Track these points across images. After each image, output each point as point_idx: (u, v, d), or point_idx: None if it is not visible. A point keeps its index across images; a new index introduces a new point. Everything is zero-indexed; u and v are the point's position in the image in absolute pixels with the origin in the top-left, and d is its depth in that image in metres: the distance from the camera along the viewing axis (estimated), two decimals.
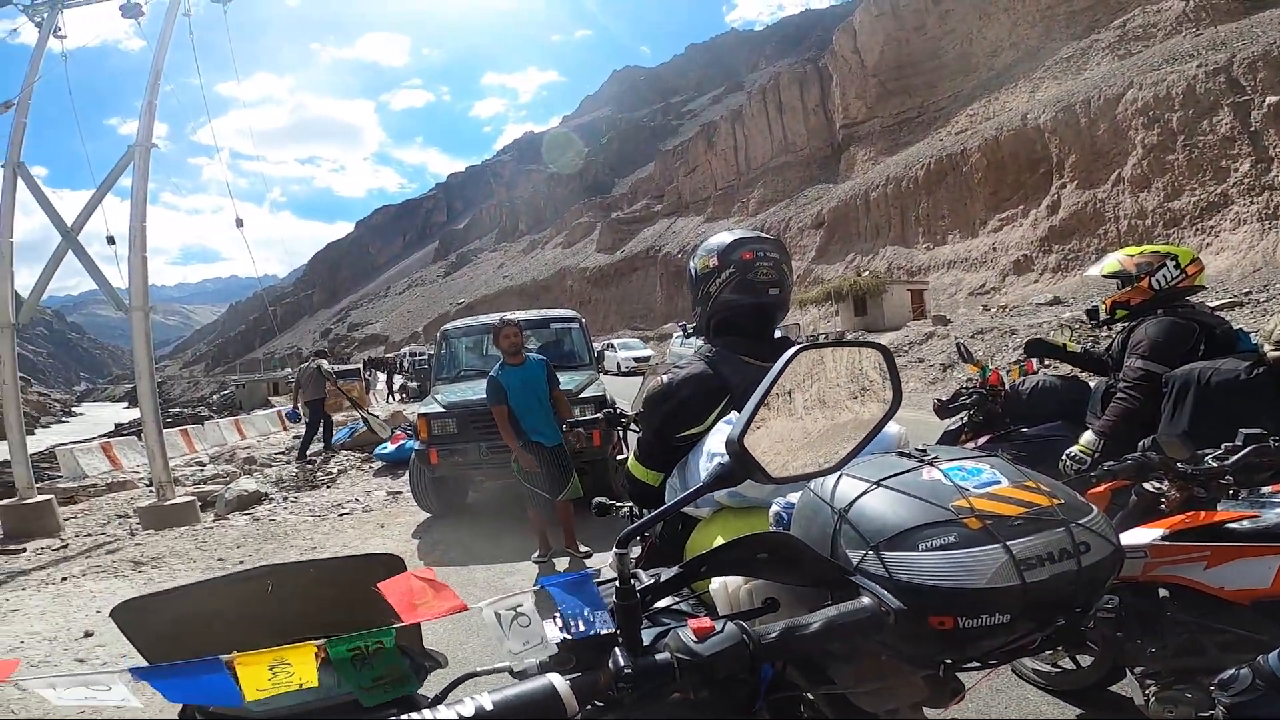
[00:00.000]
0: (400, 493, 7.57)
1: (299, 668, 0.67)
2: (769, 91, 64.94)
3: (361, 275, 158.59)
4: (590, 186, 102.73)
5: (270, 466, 10.95)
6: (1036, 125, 36.27)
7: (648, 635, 0.67)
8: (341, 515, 7.09)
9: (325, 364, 11.95)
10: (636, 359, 27.76)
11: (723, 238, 1.92)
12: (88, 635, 3.99)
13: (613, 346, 28.61)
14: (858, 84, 54.66)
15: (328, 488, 8.70)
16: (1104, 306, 3.16)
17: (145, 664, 0.75)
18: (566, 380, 6.51)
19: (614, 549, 0.70)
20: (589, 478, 6.17)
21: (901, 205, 44.21)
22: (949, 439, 3.53)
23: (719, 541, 1.56)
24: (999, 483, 0.83)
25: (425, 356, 25.02)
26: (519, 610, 0.85)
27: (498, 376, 4.92)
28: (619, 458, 3.16)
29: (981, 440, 3.33)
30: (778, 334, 1.96)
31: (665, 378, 1.89)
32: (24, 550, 6.62)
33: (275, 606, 0.87)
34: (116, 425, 34.54)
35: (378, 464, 9.69)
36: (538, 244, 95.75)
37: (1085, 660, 2.55)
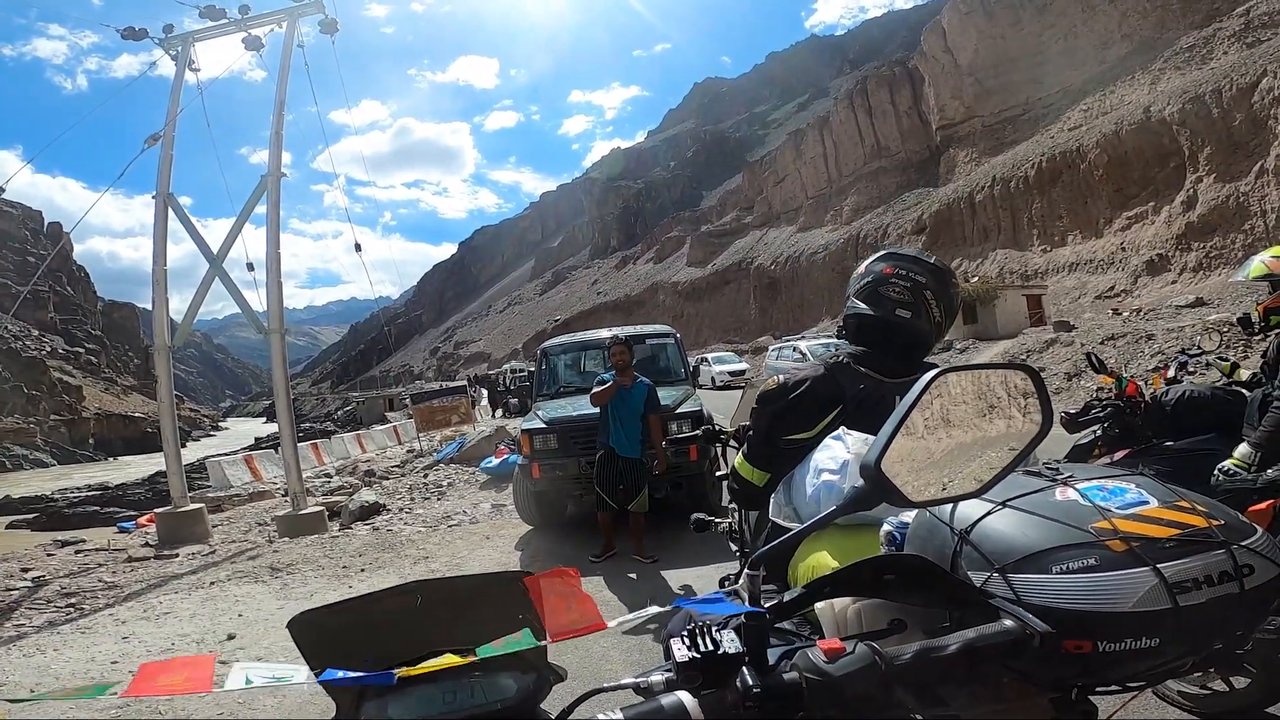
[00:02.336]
0: (504, 505, 7.85)
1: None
2: (856, 96, 63.29)
3: (465, 294, 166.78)
4: (678, 200, 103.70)
5: (387, 479, 11.70)
6: (1162, 118, 33.68)
7: (772, 655, 0.67)
8: (450, 526, 7.44)
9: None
10: (731, 373, 27.54)
11: (889, 250, 1.92)
12: (230, 638, 4.32)
13: (707, 361, 28.45)
14: (953, 84, 52.46)
15: (438, 500, 9.15)
16: (1257, 313, 2.94)
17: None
18: (664, 395, 6.54)
19: (745, 570, 0.71)
20: (684, 492, 6.20)
21: (1011, 206, 41.98)
22: (1079, 454, 3.28)
23: (825, 558, 1.56)
24: (1146, 503, 0.78)
25: (525, 373, 25.99)
26: (649, 628, 0.87)
27: (609, 379, 5.39)
28: (717, 474, 3.16)
29: (1119, 455, 3.08)
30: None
31: (781, 377, 1.89)
32: (177, 555, 7.29)
33: (423, 617, 0.93)
34: (256, 439, 38.04)
35: (483, 477, 10.12)
36: (629, 259, 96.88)
37: (1240, 682, 2.33)
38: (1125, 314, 22.77)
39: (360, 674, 0.76)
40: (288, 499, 9.03)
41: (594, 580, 4.82)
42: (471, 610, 0.96)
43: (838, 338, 2.00)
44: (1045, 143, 42.34)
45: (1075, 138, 39.76)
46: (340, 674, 0.75)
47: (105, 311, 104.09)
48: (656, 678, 0.69)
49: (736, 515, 2.58)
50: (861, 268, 1.87)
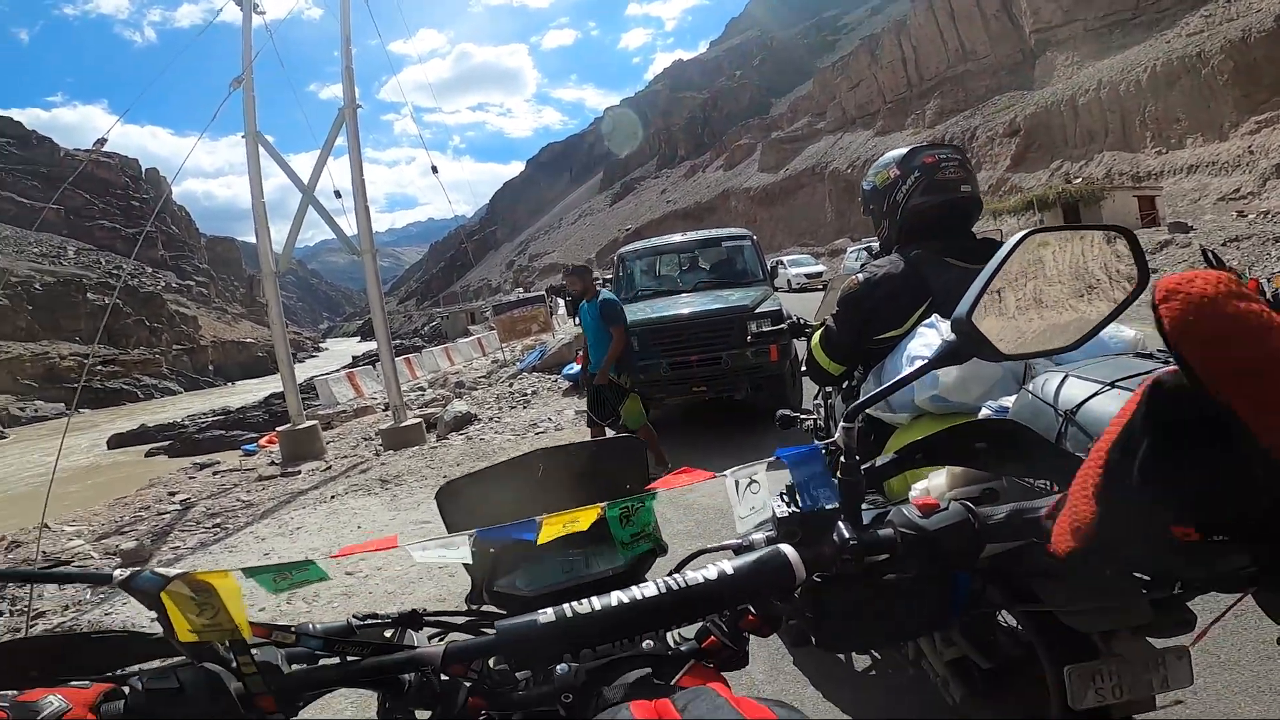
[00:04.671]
0: (586, 411, 8.12)
1: (583, 522, 0.84)
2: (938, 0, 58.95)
3: (536, 209, 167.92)
4: (746, 109, 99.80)
5: (475, 390, 12.27)
6: None
7: (866, 516, 0.68)
8: (537, 434, 7.76)
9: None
10: (808, 275, 27.07)
11: (897, 151, 1.95)
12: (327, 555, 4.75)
13: (783, 263, 27.83)
14: None
15: (524, 408, 9.54)
16: None
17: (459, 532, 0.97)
18: (742, 296, 6.52)
19: (842, 424, 0.70)
20: (765, 393, 6.20)
21: (1121, 109, 40.70)
22: None
23: None
24: None
25: (600, 280, 26.04)
26: (754, 478, 0.96)
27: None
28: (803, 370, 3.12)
29: None
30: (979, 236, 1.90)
31: (862, 277, 1.87)
32: (299, 472, 7.85)
33: (543, 484, 1.02)
34: (354, 357, 40.43)
35: (565, 384, 10.42)
36: (698, 168, 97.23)
37: None
38: (1251, 216, 20.61)
39: (508, 525, 0.84)
40: (389, 413, 9.60)
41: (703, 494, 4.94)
42: (587, 477, 1.04)
43: (884, 253, 1.97)
44: (1160, 47, 40.67)
45: (1196, 43, 38.24)
46: (491, 529, 0.85)
47: (209, 246, 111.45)
48: (757, 536, 0.71)
49: (820, 412, 2.56)
50: (891, 174, 1.89)
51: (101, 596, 4.20)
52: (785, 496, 0.69)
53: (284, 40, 9.17)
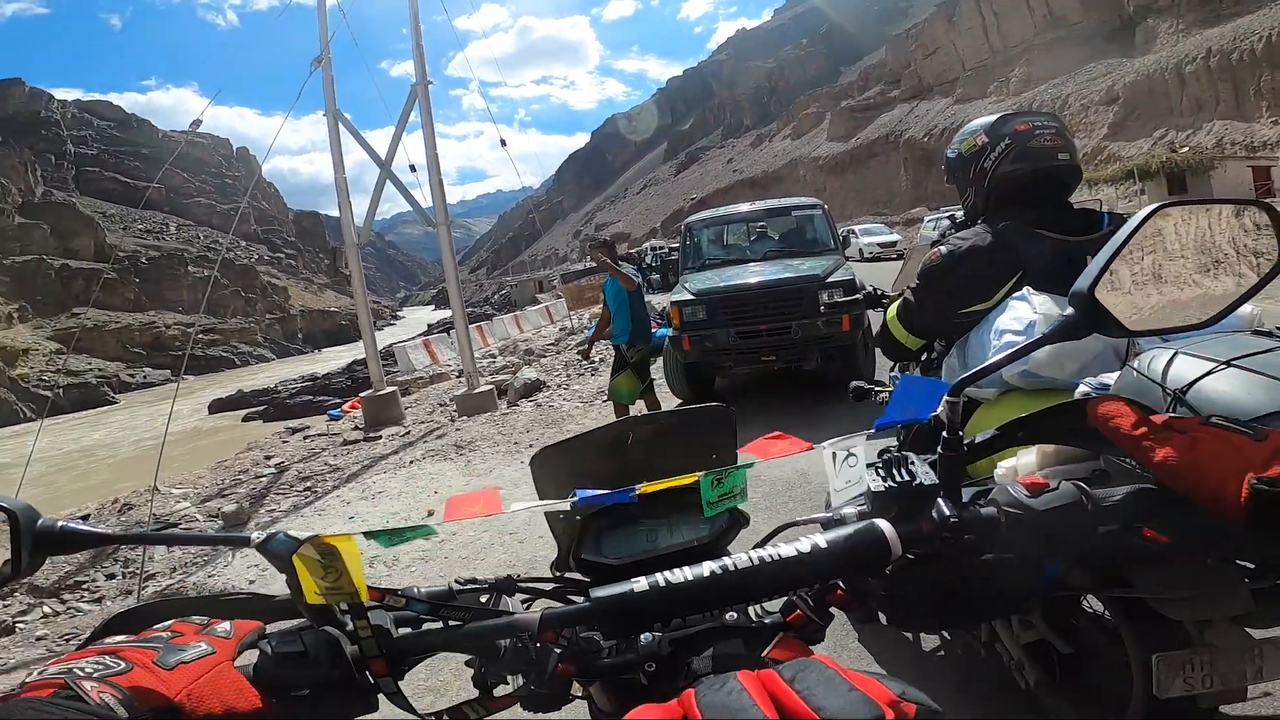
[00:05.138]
0: (655, 379, 8.17)
1: (679, 492, 0.85)
2: None
3: (602, 179, 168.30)
4: (813, 78, 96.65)
5: (544, 357, 12.51)
6: None
7: (965, 494, 0.66)
8: (604, 402, 7.83)
9: None
10: (881, 244, 26.23)
11: (986, 118, 1.86)
12: (430, 514, 4.86)
13: (854, 233, 26.92)
14: None
15: (591, 376, 9.65)
16: None
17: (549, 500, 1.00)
18: (813, 266, 6.41)
19: (945, 398, 0.67)
20: (836, 363, 6.10)
21: (1233, 78, 37.73)
22: None
23: None
24: None
25: (666, 249, 26.09)
26: (851, 451, 0.93)
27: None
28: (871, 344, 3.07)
29: None
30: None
31: (945, 249, 1.79)
32: (380, 437, 8.20)
33: (633, 452, 1.02)
34: (429, 325, 41.94)
35: None
36: (765, 137, 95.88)
37: None
38: None
39: (606, 491, 0.85)
40: (462, 379, 9.94)
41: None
42: (677, 446, 1.03)
43: (970, 223, 1.88)
44: (1277, 15, 37.27)
45: None
46: (591, 493, 0.85)
47: (295, 220, 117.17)
48: (849, 510, 0.69)
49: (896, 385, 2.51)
50: (980, 140, 1.81)
51: (206, 558, 4.53)
52: (881, 470, 0.67)
53: (355, 19, 9.39)
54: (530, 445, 6.45)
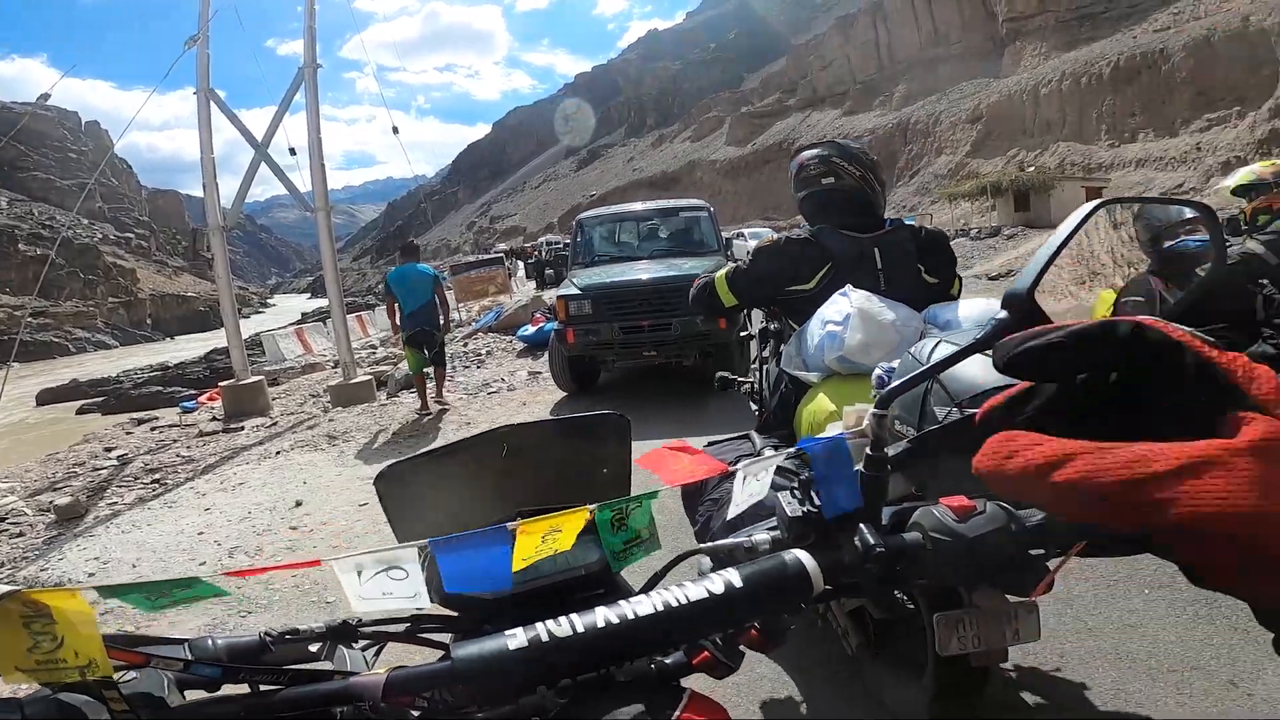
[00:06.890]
0: (540, 373, 8.10)
1: (566, 534, 0.64)
2: None
3: (500, 172, 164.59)
4: (718, 82, 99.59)
5: None
6: (1261, 28, 33.79)
7: (884, 514, 0.61)
8: (489, 394, 7.75)
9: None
10: None
11: (804, 149, 2.28)
12: (298, 504, 4.63)
13: (742, 235, 27.94)
14: None
15: (477, 368, 9.49)
16: (1244, 215, 3.34)
17: (395, 532, 0.80)
18: (696, 266, 6.62)
19: (872, 410, 0.62)
20: (713, 360, 6.37)
21: (1080, 101, 42.53)
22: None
23: (824, 402, 1.75)
24: None
25: (561, 244, 25.97)
26: (759, 477, 0.82)
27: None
28: (743, 334, 3.33)
29: None
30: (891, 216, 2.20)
31: (776, 235, 2.27)
32: (243, 428, 7.64)
33: (508, 467, 0.87)
34: (303, 314, 39.27)
35: (520, 345, 10.43)
36: (666, 138, 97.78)
37: None
38: None
39: (472, 532, 0.63)
40: (338, 370, 9.46)
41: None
42: (560, 459, 0.90)
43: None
44: (1126, 42, 42.15)
45: (1160, 39, 39.80)
46: (448, 538, 0.62)
47: (150, 199, 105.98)
48: (760, 536, 0.64)
49: (758, 375, 2.70)
50: (791, 170, 2.24)
51: (36, 551, 4.09)
52: (797, 492, 0.63)
53: None
54: (410, 436, 6.26)
